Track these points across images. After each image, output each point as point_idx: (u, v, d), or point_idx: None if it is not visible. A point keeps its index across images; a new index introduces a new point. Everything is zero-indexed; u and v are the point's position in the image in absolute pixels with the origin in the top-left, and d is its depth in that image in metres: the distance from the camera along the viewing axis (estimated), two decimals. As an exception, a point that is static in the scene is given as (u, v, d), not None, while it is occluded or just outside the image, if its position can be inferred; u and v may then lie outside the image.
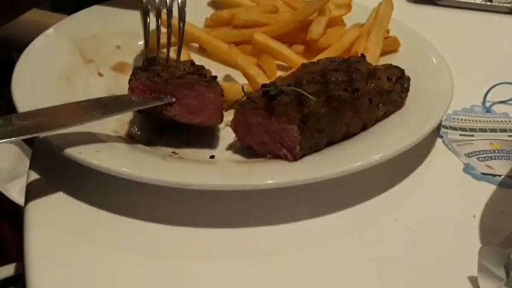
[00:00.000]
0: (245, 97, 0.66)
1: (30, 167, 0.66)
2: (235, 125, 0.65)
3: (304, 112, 0.61)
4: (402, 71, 0.72)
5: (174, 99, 0.65)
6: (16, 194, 0.98)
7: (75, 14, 0.87)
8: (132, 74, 0.66)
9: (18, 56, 0.76)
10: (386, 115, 0.69)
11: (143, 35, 0.74)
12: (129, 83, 0.66)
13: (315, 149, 0.63)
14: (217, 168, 0.63)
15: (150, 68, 0.68)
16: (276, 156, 0.62)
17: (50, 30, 0.82)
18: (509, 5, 1.03)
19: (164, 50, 0.75)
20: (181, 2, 0.74)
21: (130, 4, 0.87)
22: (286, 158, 0.62)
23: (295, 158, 0.61)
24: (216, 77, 0.70)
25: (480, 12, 1.03)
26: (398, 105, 0.70)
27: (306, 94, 0.62)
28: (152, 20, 0.74)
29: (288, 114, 0.61)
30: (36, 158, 0.67)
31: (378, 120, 0.69)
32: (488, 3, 1.03)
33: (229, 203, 0.60)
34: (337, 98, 0.64)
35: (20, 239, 0.95)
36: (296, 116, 0.61)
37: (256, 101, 0.64)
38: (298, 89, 0.63)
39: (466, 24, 1.02)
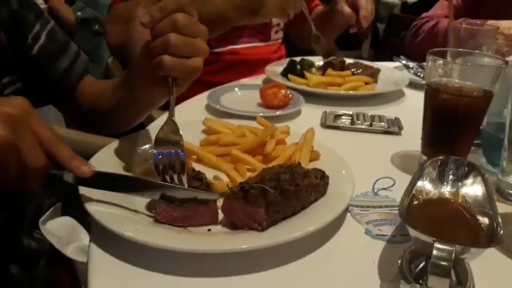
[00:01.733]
0: (229, 191, 0.66)
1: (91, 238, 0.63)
2: (223, 209, 0.65)
3: (267, 200, 0.62)
4: (323, 172, 0.73)
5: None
6: (70, 252, 0.92)
7: (124, 137, 0.84)
8: (157, 208, 0.64)
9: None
10: (316, 200, 0.70)
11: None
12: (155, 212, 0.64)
13: (275, 222, 0.63)
14: (213, 237, 0.62)
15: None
16: (251, 228, 0.62)
17: (114, 144, 0.79)
18: (382, 128, 1.05)
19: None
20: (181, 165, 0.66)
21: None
22: (257, 229, 0.62)
23: (263, 229, 0.62)
24: (209, 185, 0.68)
25: (365, 133, 1.05)
26: (323, 193, 0.71)
27: (268, 188, 0.63)
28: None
29: (257, 202, 0.62)
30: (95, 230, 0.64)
31: (311, 203, 0.69)
32: (370, 127, 1.05)
33: (222, 260, 0.60)
34: (286, 190, 0.65)
35: (74, 282, 0.90)
36: (262, 202, 0.62)
37: (237, 193, 0.64)
38: (263, 185, 0.64)
39: (357, 140, 1.02)
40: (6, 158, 0.49)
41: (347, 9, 1.47)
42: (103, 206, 0.64)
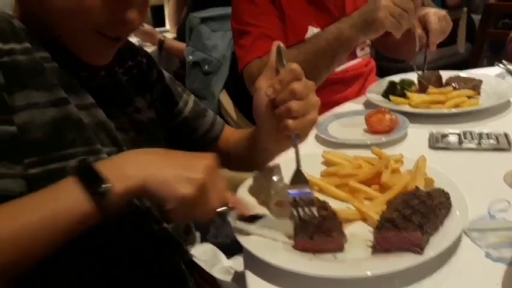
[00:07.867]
0: (382, 223, 0.71)
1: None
2: (377, 241, 0.72)
3: (417, 224, 0.69)
4: (442, 189, 0.79)
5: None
6: (216, 273, 1.04)
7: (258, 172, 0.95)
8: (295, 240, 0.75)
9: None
10: (446, 215, 0.76)
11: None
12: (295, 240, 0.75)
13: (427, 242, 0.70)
14: (346, 263, 0.71)
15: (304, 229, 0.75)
16: (409, 251, 0.68)
17: (250, 180, 0.91)
18: (492, 146, 1.07)
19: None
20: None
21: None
22: (417, 252, 0.68)
23: (422, 250, 0.68)
24: (335, 213, 0.77)
25: (475, 151, 1.07)
26: (449, 208, 0.77)
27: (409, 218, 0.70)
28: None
29: (411, 227, 0.68)
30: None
31: (444, 218, 0.74)
32: (479, 146, 1.08)
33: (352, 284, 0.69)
34: (426, 213, 0.71)
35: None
36: (415, 226, 0.68)
37: (386, 225, 0.71)
38: (411, 209, 0.71)
39: (467, 159, 1.05)
40: (199, 197, 0.64)
41: (418, 31, 1.51)
42: (250, 237, 0.77)
